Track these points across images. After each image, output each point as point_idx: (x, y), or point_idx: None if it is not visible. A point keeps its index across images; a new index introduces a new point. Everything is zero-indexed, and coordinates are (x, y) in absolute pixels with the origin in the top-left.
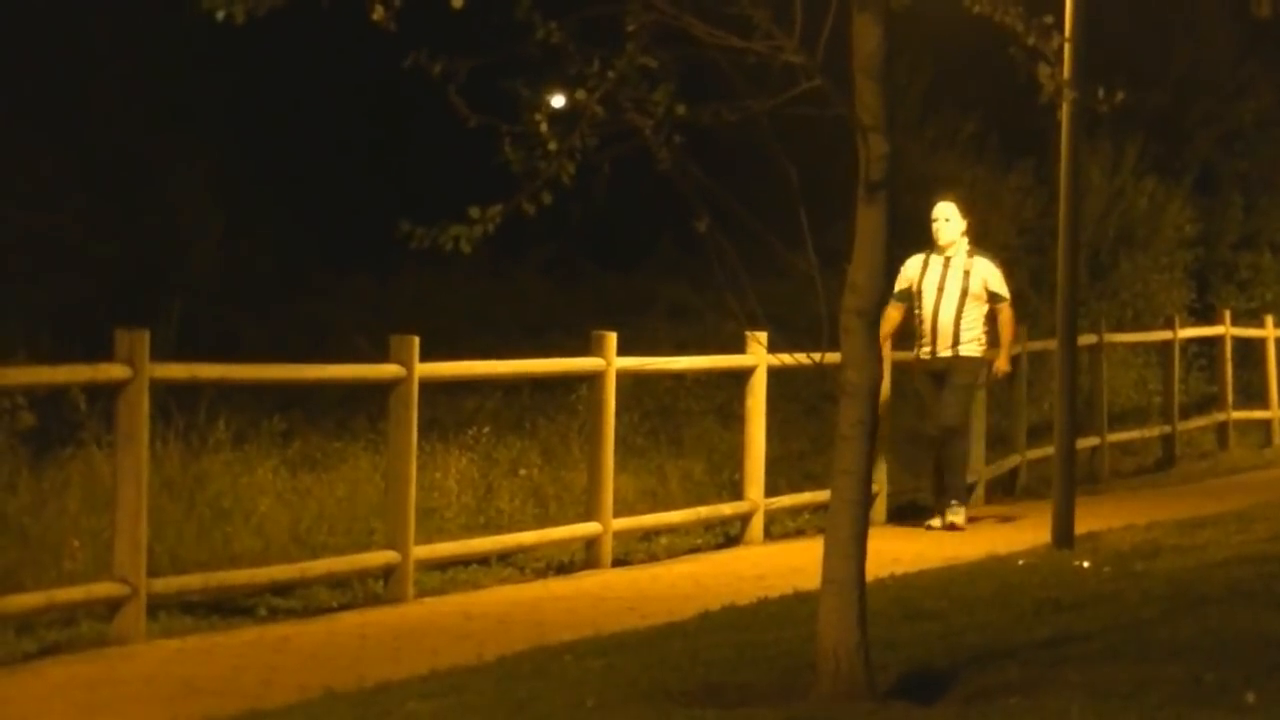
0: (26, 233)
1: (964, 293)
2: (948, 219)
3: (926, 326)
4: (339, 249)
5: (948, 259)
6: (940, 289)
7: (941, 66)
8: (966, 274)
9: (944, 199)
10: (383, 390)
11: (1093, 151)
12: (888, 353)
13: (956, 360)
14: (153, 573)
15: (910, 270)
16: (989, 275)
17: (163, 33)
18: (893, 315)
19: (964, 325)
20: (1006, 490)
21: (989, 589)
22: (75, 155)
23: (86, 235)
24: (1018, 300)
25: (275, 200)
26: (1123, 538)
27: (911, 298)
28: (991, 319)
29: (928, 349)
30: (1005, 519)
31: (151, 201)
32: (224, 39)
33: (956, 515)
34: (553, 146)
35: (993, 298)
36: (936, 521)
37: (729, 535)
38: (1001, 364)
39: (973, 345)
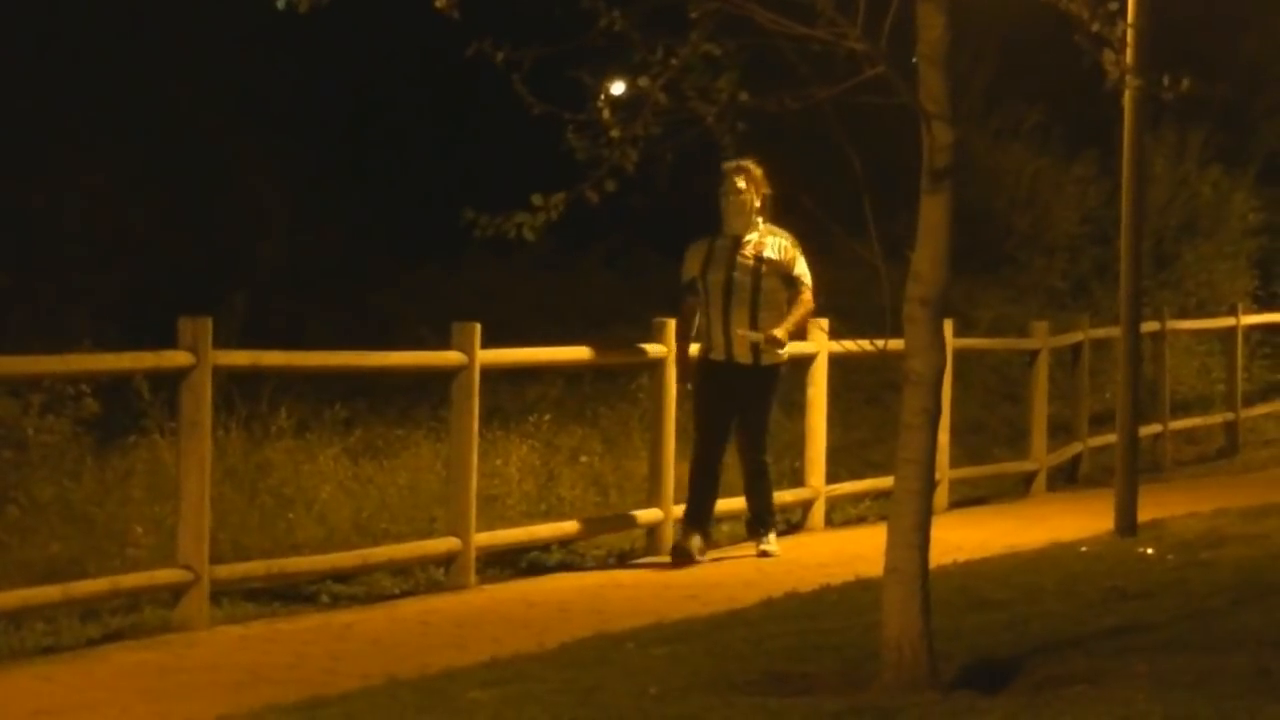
0: (94, 222)
1: (758, 284)
2: (740, 189)
3: (717, 327)
4: (404, 239)
5: (737, 241)
6: (728, 283)
7: (1005, 56)
8: (759, 259)
9: (740, 164)
10: (445, 378)
11: (1157, 141)
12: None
13: (757, 370)
14: (216, 560)
15: (692, 257)
16: (789, 259)
17: (229, 22)
18: (687, 307)
19: (761, 323)
20: (1069, 478)
21: (1053, 578)
22: (142, 145)
23: (154, 225)
24: (1081, 290)
25: (341, 190)
26: (1187, 526)
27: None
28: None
29: (720, 353)
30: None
31: (219, 192)
32: (288, 28)
33: (770, 544)
34: (616, 134)
35: (791, 283)
36: (696, 543)
37: (790, 522)
38: (780, 332)
39: (774, 349)
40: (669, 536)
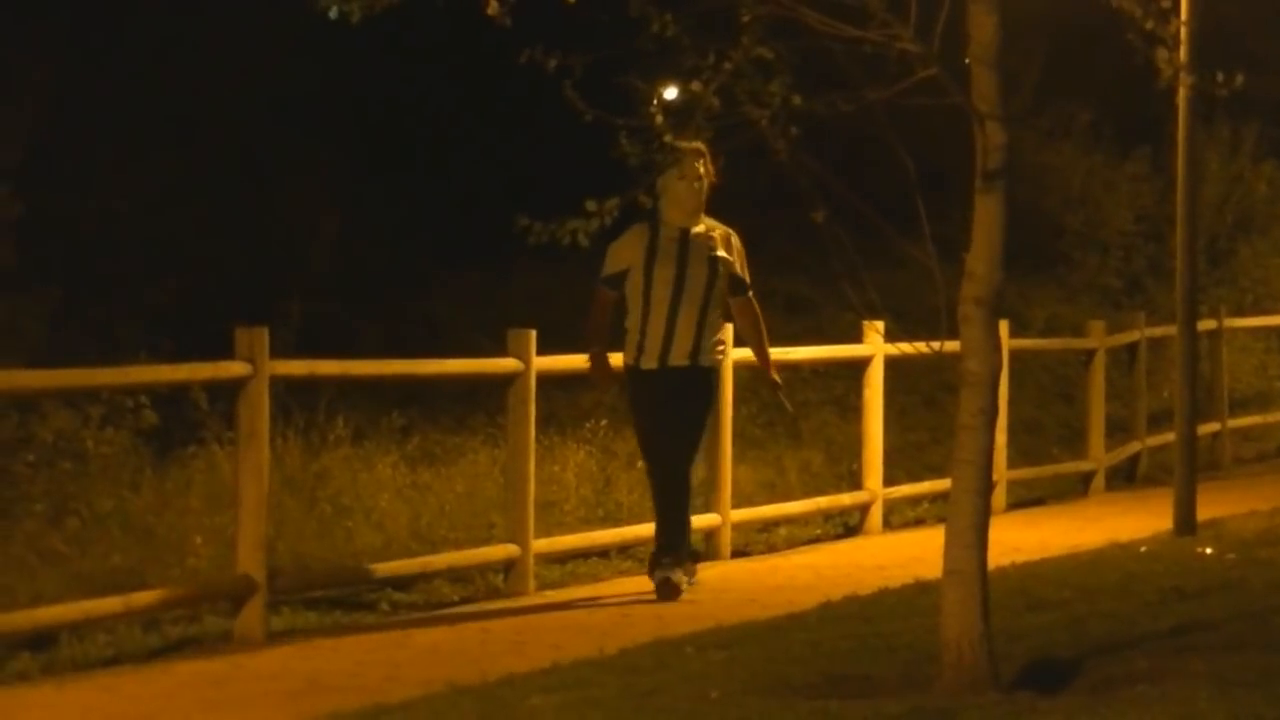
0: (146, 234)
1: (712, 283)
2: (700, 174)
3: (655, 329)
4: (454, 246)
5: (685, 234)
6: (679, 280)
7: (1056, 55)
8: (714, 256)
9: (698, 147)
10: (501, 384)
11: (1210, 137)
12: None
13: (695, 372)
14: (275, 569)
15: (629, 248)
16: (739, 258)
17: (275, 29)
18: (608, 303)
19: (707, 326)
20: (1127, 478)
21: (1112, 578)
22: (193, 157)
23: (205, 236)
24: (1136, 289)
25: (390, 198)
26: (1246, 524)
27: (627, 284)
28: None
29: (654, 357)
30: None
31: (268, 202)
32: (338, 36)
33: (675, 573)
34: (669, 139)
35: (735, 286)
36: (680, 574)
37: (848, 525)
38: (775, 374)
39: (714, 352)
40: (727, 541)
